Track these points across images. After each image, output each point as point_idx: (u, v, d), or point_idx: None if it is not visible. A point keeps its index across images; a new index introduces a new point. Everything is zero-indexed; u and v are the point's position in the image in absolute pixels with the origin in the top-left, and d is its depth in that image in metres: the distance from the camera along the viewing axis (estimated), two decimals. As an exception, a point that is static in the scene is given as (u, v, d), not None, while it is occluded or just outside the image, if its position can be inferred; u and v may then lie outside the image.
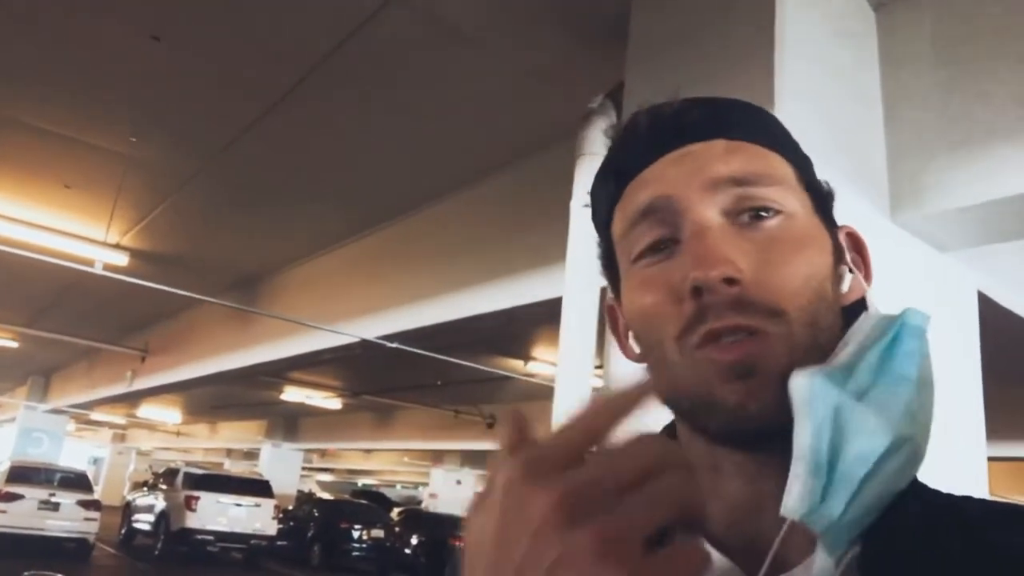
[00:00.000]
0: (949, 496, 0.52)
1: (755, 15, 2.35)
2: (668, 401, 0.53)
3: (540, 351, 9.76)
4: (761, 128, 0.56)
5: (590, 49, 3.71)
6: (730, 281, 0.48)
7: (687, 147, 0.53)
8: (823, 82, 2.38)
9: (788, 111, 2.19)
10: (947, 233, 2.51)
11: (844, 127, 2.40)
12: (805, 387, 0.45)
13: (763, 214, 0.51)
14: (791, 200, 0.53)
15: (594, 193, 0.60)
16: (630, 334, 0.58)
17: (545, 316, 4.23)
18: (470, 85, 4.35)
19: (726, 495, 0.52)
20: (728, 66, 2.41)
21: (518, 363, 10.44)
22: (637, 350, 0.57)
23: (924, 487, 0.51)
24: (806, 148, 2.18)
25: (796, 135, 2.18)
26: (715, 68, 2.46)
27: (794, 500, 0.44)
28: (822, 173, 2.16)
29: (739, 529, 0.51)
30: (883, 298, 1.99)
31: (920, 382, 0.48)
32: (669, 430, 0.59)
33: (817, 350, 0.49)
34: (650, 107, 0.57)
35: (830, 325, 0.51)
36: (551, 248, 3.74)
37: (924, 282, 2.54)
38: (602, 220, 0.59)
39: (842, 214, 2.12)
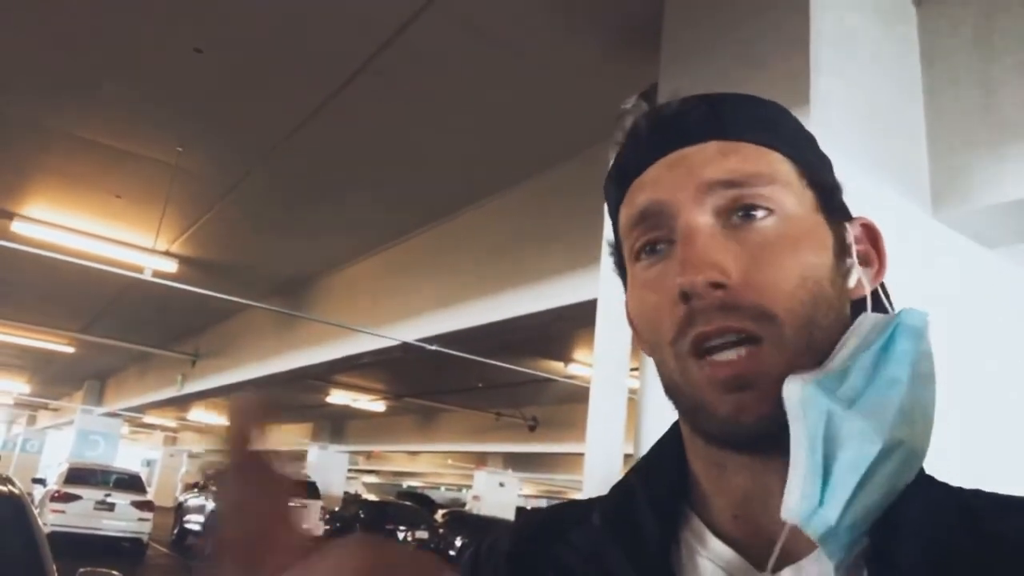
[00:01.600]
0: (959, 490, 0.52)
1: (790, 10, 2.31)
2: (671, 399, 0.54)
3: (580, 353, 9.73)
4: (761, 125, 0.55)
5: (625, 52, 3.70)
6: (716, 285, 0.48)
7: (681, 150, 0.54)
8: (861, 76, 2.33)
9: (824, 106, 2.16)
10: (993, 229, 2.43)
11: (883, 123, 2.35)
12: (797, 395, 0.46)
13: (754, 213, 0.51)
14: (787, 199, 0.52)
15: (605, 193, 0.62)
16: None
17: (583, 318, 4.22)
18: (506, 90, 4.37)
19: (730, 490, 0.53)
20: (763, 62, 2.38)
21: (558, 365, 10.41)
22: None
23: (932, 481, 0.51)
24: (843, 144, 2.14)
25: (833, 131, 2.13)
26: (750, 64, 2.43)
27: (794, 502, 0.45)
28: (859, 170, 2.11)
29: (744, 521, 0.52)
30: (926, 297, 1.93)
31: (915, 382, 0.48)
32: (676, 428, 0.59)
33: (815, 351, 0.49)
34: (653, 108, 0.58)
35: (830, 325, 0.51)
36: (589, 250, 3.74)
37: (969, 280, 2.47)
38: (612, 219, 0.60)
39: (881, 211, 2.07)
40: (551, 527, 0.60)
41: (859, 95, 2.30)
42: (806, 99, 2.16)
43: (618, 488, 0.59)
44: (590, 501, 0.61)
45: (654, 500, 0.55)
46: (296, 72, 4.41)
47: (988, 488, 0.52)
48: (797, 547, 0.49)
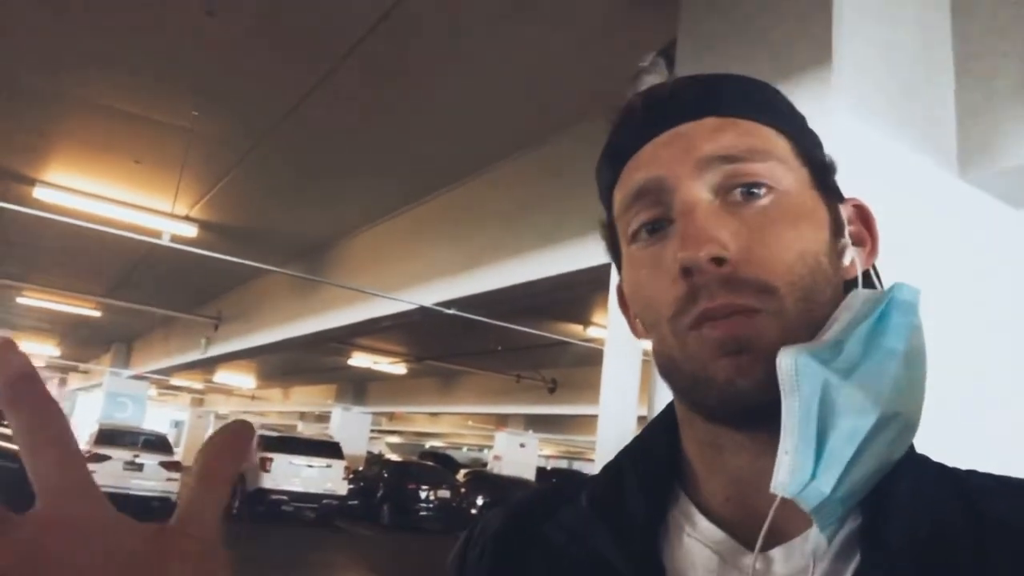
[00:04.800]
0: (954, 470, 0.52)
1: (812, -37, 2.23)
2: (667, 379, 0.54)
3: (599, 316, 9.72)
4: (756, 103, 0.55)
5: (641, 8, 3.61)
6: (718, 260, 0.48)
7: (678, 127, 0.53)
8: (887, 32, 2.25)
9: (847, 62, 2.09)
10: (1021, 189, 2.36)
11: (908, 78, 2.27)
12: (791, 365, 0.45)
13: (754, 191, 0.51)
14: (784, 175, 0.52)
15: (597, 175, 0.61)
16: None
17: (602, 281, 4.21)
18: (523, 50, 4.29)
19: (727, 471, 0.52)
20: (782, 18, 2.31)
21: (577, 328, 10.43)
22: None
23: (926, 460, 0.51)
24: (866, 103, 2.07)
25: (856, 90, 2.06)
26: (769, 21, 2.36)
27: (783, 476, 0.45)
28: (884, 129, 2.04)
29: (737, 503, 0.52)
30: (952, 258, 1.88)
31: (909, 356, 0.48)
32: (669, 411, 0.59)
33: (812, 325, 0.49)
34: (646, 89, 0.58)
35: (828, 300, 0.51)
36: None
37: (997, 241, 2.40)
38: (605, 201, 0.60)
39: (906, 171, 2.00)
40: (540, 507, 0.60)
41: (884, 52, 2.22)
42: (828, 56, 2.09)
43: (608, 468, 0.59)
44: (583, 481, 0.61)
45: (643, 480, 0.55)
46: (310, 33, 4.36)
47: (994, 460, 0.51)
48: (787, 527, 0.48)
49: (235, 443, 0.35)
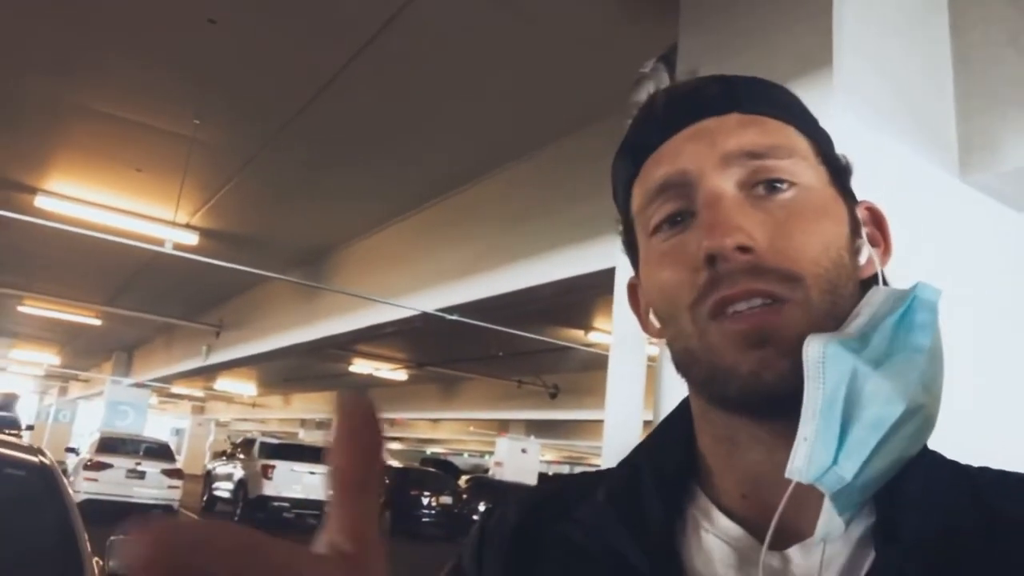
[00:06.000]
0: (966, 466, 0.52)
1: (812, -32, 2.24)
2: (684, 372, 0.54)
3: (600, 321, 9.72)
4: (776, 102, 0.56)
5: (643, 13, 3.62)
6: (743, 249, 0.48)
7: (702, 122, 0.54)
8: (886, 35, 2.27)
9: (847, 67, 2.10)
10: (1022, 191, 2.37)
11: (908, 82, 2.28)
12: (818, 352, 0.45)
13: (777, 185, 0.51)
14: (806, 172, 0.53)
15: (613, 172, 0.61)
16: (651, 311, 0.58)
17: (603, 286, 4.21)
18: (523, 57, 4.31)
19: (742, 467, 0.52)
20: (782, 22, 2.32)
21: (579, 333, 10.43)
22: (658, 325, 0.57)
23: (939, 456, 0.52)
24: (867, 106, 2.08)
25: (856, 93, 2.07)
26: (769, 25, 2.37)
27: (800, 462, 0.45)
28: (884, 133, 2.05)
29: (754, 500, 0.52)
30: (953, 260, 1.89)
31: (932, 354, 0.48)
32: (683, 407, 0.59)
33: (836, 317, 0.49)
34: (668, 86, 0.59)
35: (850, 294, 0.51)
36: (608, 217, 3.71)
37: (997, 243, 2.41)
38: (621, 198, 0.60)
39: (908, 174, 2.01)
40: (556, 503, 0.59)
41: (884, 56, 2.24)
42: (829, 60, 2.10)
43: (624, 465, 0.59)
44: (597, 475, 0.61)
45: (659, 477, 0.55)
46: (311, 40, 4.38)
47: (998, 462, 0.52)
48: (804, 525, 0.48)
49: (361, 428, 0.29)
